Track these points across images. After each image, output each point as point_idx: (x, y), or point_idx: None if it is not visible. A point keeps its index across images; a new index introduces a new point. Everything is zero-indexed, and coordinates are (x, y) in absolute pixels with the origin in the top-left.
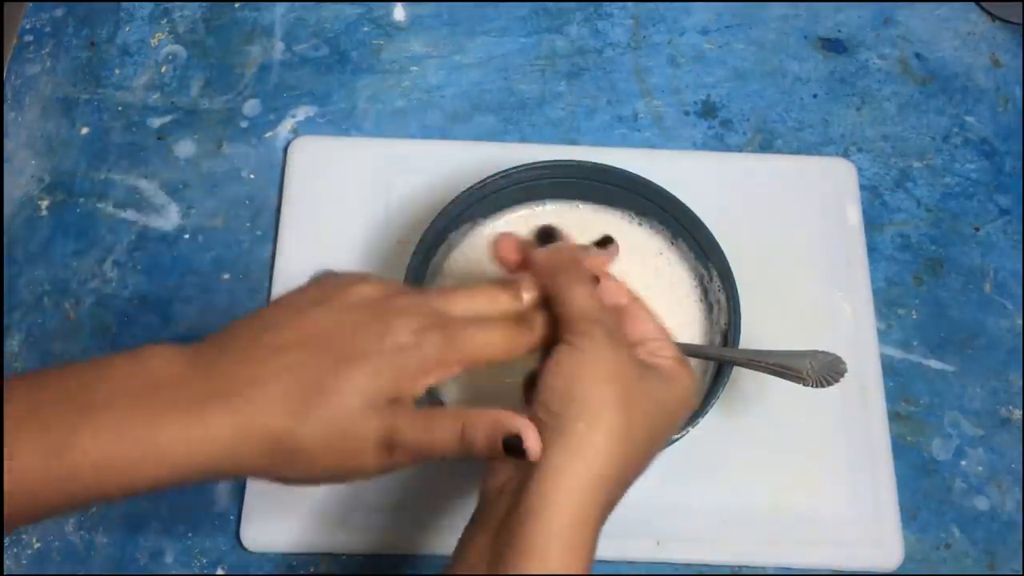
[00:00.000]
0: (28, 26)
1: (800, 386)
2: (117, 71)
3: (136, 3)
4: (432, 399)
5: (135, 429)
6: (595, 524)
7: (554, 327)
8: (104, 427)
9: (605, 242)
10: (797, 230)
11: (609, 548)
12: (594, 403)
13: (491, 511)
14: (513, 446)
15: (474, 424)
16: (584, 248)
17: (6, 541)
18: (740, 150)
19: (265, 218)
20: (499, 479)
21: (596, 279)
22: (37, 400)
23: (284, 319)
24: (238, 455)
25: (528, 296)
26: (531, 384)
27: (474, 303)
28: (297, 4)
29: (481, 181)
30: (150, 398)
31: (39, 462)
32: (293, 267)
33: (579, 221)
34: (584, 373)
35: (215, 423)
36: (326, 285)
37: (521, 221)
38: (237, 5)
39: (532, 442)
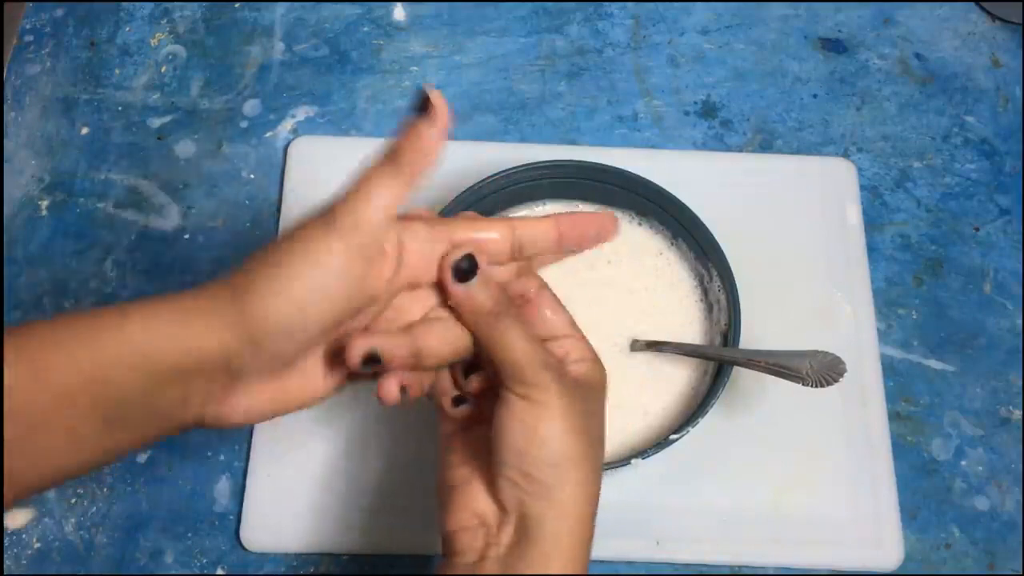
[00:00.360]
0: (28, 26)
1: (800, 386)
2: (117, 71)
3: (136, 3)
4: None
5: (135, 328)
6: (586, 553)
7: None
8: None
9: (423, 104)
10: (797, 230)
11: (609, 548)
12: (570, 461)
13: (476, 566)
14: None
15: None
16: (501, 283)
17: (6, 541)
18: (740, 150)
19: (265, 218)
20: (464, 518)
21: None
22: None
23: (284, 236)
24: (223, 343)
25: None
26: (468, 370)
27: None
28: (297, 4)
29: (481, 181)
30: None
31: (68, 364)
32: None
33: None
34: (552, 433)
35: (205, 308)
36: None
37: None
38: (237, 5)
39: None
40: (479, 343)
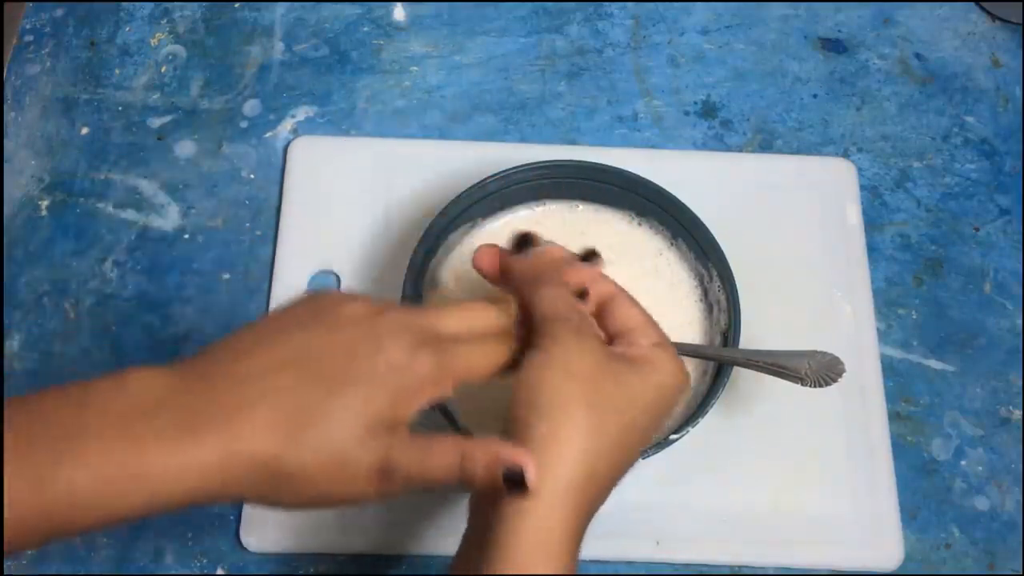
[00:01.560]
0: (28, 26)
1: (800, 386)
2: (117, 71)
3: (136, 3)
4: (442, 411)
5: (120, 458)
6: (574, 527)
7: None
8: (88, 457)
9: (590, 255)
10: (797, 230)
11: (609, 548)
12: (557, 403)
13: (477, 522)
14: (513, 479)
15: (473, 455)
16: (565, 255)
17: None
18: (740, 150)
19: (265, 218)
20: None
21: (582, 292)
22: (20, 429)
23: (270, 338)
24: (226, 482)
25: (517, 309)
26: None
27: (465, 319)
28: (297, 4)
29: (481, 181)
30: (133, 425)
31: (25, 495)
32: (293, 267)
33: (579, 221)
34: (546, 376)
35: (201, 451)
36: (314, 304)
37: (521, 221)
38: (237, 5)
39: (533, 474)
40: (524, 311)
